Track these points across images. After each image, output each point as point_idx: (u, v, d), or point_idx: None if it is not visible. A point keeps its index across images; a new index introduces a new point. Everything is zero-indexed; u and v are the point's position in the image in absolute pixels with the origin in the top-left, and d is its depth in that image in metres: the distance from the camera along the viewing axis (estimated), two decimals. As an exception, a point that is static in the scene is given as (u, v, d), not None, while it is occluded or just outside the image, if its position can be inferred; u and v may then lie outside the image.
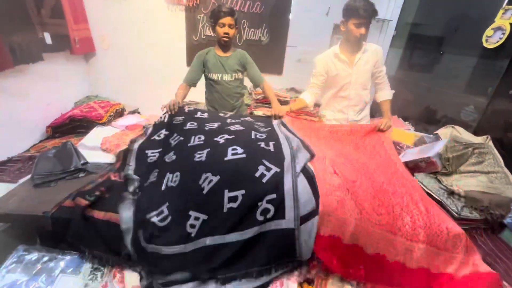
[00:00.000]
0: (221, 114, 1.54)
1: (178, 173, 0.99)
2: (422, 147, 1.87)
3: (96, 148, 1.25)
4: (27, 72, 1.96)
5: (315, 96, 2.02)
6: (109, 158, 1.17)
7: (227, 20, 1.75)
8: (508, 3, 1.69)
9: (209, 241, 0.85)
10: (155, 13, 2.66)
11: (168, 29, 2.74)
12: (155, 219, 0.88)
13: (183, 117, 1.35)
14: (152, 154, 1.16)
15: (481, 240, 1.38)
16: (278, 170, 0.96)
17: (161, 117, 1.41)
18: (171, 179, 0.98)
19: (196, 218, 0.87)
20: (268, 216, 0.86)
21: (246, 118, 1.47)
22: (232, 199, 0.88)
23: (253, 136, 1.16)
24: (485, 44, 1.80)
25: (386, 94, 1.98)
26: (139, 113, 2.95)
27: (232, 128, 1.22)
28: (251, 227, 0.85)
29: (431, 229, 0.89)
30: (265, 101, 2.73)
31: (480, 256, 0.97)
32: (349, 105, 2.00)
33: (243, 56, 1.97)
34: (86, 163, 1.20)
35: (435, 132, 1.89)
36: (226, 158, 0.99)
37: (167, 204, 0.92)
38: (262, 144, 1.09)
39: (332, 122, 2.05)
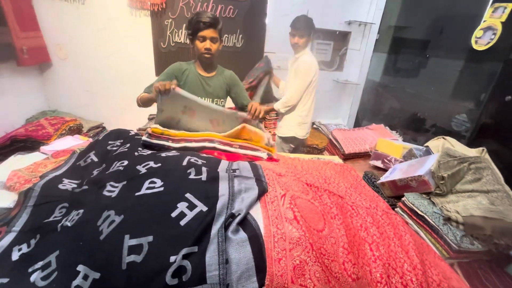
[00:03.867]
0: None
1: (81, 210, 0.72)
2: (412, 161, 1.68)
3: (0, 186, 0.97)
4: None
5: None
6: (11, 200, 0.90)
7: (209, 33, 1.39)
8: (497, 0, 1.52)
9: None
10: (117, 19, 2.42)
11: (133, 36, 2.49)
12: (36, 276, 0.60)
13: (122, 140, 1.09)
14: (69, 183, 0.89)
15: (486, 277, 1.17)
16: (205, 209, 0.69)
17: (96, 137, 1.15)
18: (71, 217, 0.72)
19: (85, 277, 0.58)
20: (184, 278, 0.58)
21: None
22: (135, 250, 0.60)
23: (184, 163, 0.89)
24: (474, 46, 1.63)
25: None
26: (103, 127, 2.68)
27: (164, 153, 0.96)
28: None
29: (430, 291, 0.66)
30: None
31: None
32: None
33: (231, 78, 1.63)
34: None
35: (425, 145, 1.69)
36: (137, 193, 0.74)
37: (58, 252, 0.64)
38: (192, 173, 0.82)
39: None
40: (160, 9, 2.38)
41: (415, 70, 2.33)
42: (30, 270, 0.61)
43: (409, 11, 2.49)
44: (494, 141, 1.52)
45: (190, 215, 0.66)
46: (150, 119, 2.78)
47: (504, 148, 1.47)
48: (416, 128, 2.18)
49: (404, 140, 2.29)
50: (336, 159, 1.57)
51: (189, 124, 1.31)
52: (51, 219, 0.75)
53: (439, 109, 1.97)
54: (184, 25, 2.50)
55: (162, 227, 0.64)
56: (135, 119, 2.63)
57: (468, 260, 1.19)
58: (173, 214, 0.67)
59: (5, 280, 0.62)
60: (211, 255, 0.60)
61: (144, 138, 1.04)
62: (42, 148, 1.31)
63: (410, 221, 1.37)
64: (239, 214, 0.69)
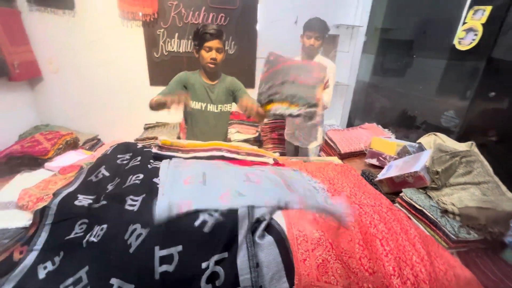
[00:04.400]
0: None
1: (105, 225, 0.74)
2: (406, 158, 1.75)
3: (11, 205, 0.96)
4: None
5: None
6: (26, 219, 0.90)
7: (215, 43, 1.48)
8: (475, 3, 1.62)
9: None
10: (108, 30, 2.41)
11: (125, 47, 2.49)
12: None
13: (131, 153, 1.11)
14: (84, 199, 0.90)
15: (483, 264, 1.24)
16: (227, 216, 0.72)
17: (106, 152, 1.16)
18: (95, 233, 0.74)
19: None
20: (218, 283, 0.62)
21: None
22: (166, 260, 0.64)
23: None
24: (458, 46, 1.73)
25: None
26: (98, 139, 2.65)
27: None
28: None
29: (437, 280, 0.71)
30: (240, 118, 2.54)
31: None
32: None
33: (231, 83, 1.71)
34: None
35: (418, 141, 1.77)
36: None
37: (87, 267, 0.67)
38: None
39: None
40: (152, 19, 2.39)
41: (403, 70, 2.43)
42: (61, 287, 0.63)
43: (394, 13, 2.59)
44: (481, 135, 1.61)
45: (211, 221, 0.70)
46: (146, 128, 2.78)
47: (491, 141, 1.56)
48: (407, 126, 2.27)
49: (396, 138, 2.38)
50: (336, 160, 1.63)
51: None
52: (72, 235, 0.76)
53: (428, 107, 2.06)
54: (177, 34, 2.52)
55: (189, 236, 0.67)
56: (130, 130, 2.62)
57: (466, 249, 1.25)
58: (196, 223, 0.69)
59: None
60: (242, 260, 0.63)
61: (154, 150, 1.06)
62: (47, 164, 1.30)
63: (409, 216, 1.44)
64: (264, 219, 0.73)
